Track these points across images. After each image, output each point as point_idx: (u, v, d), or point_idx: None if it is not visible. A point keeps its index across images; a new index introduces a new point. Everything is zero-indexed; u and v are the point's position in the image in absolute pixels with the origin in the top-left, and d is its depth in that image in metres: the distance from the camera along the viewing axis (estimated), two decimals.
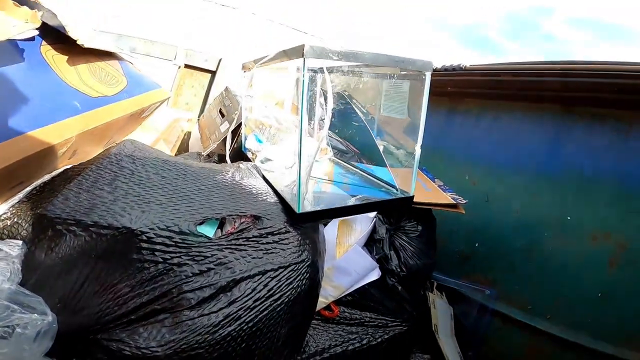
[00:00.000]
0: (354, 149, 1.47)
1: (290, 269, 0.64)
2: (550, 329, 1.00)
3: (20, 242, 0.57)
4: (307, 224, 0.74)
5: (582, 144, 1.09)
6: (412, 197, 0.84)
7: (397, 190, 0.87)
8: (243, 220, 0.67)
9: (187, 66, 2.59)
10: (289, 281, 0.64)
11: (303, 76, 0.65)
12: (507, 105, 1.33)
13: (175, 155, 1.35)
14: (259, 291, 0.61)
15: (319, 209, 0.76)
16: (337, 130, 1.28)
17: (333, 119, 1.17)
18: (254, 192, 0.75)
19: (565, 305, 1.00)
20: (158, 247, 0.61)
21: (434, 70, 1.46)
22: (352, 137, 1.23)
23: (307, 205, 0.74)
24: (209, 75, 2.61)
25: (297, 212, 0.71)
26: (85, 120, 0.78)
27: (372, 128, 0.96)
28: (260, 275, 0.62)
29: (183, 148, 1.61)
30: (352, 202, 0.80)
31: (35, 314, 0.48)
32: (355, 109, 1.03)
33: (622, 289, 0.92)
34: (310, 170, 0.75)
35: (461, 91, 1.47)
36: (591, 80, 1.02)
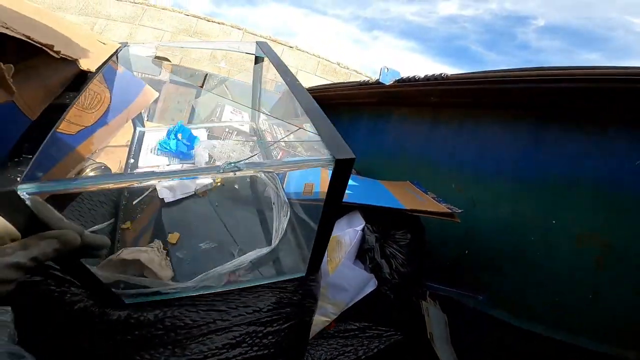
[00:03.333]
0: None
1: (294, 307, 0.65)
2: (547, 332, 1.00)
3: (9, 308, 0.55)
4: None
5: (560, 148, 1.12)
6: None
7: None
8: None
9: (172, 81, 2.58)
10: (288, 315, 0.64)
11: None
12: (486, 113, 1.36)
13: None
14: (262, 332, 0.61)
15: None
16: None
17: None
18: None
19: (559, 308, 1.01)
20: None
21: (417, 80, 1.51)
22: None
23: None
24: (194, 90, 2.61)
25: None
26: (59, 172, 0.68)
27: None
28: (265, 318, 0.62)
29: None
30: None
31: None
32: None
33: (613, 288, 0.93)
34: None
35: (443, 101, 1.50)
36: (565, 86, 1.05)
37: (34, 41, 0.58)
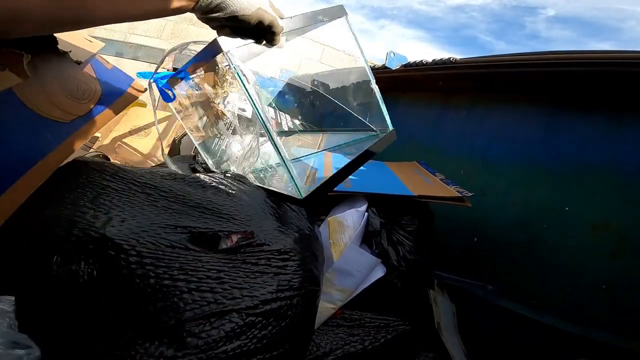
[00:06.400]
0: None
1: (293, 291, 0.62)
2: (558, 324, 0.97)
3: (12, 298, 0.56)
4: (306, 234, 0.71)
5: (574, 134, 1.09)
6: (394, 130, 0.87)
7: (375, 130, 0.86)
8: (238, 237, 0.65)
9: (175, 69, 2.55)
10: (290, 302, 0.61)
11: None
12: (497, 98, 1.33)
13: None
14: (261, 323, 0.58)
15: (319, 184, 0.77)
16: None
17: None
18: (248, 206, 0.72)
19: (570, 299, 0.98)
20: (148, 260, 0.58)
21: (424, 65, 1.47)
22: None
23: (305, 188, 0.74)
24: None
25: (300, 197, 0.71)
26: (57, 157, 0.73)
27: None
28: (263, 306, 0.59)
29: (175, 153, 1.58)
30: (345, 160, 0.79)
31: (20, 350, 0.50)
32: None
33: (628, 279, 0.90)
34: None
35: (452, 86, 1.46)
36: (580, 69, 1.02)
37: None
